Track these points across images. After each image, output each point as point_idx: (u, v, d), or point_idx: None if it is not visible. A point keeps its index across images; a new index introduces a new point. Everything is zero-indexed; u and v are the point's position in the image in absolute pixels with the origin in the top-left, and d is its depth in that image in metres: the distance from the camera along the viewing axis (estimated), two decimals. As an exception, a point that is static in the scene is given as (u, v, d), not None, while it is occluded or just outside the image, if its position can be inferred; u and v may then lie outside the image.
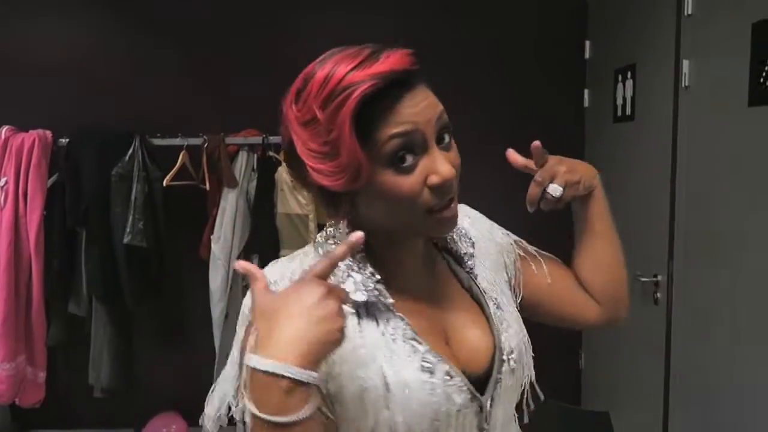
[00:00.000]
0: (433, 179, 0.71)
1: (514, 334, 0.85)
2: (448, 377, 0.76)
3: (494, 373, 0.81)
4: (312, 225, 2.42)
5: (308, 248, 0.83)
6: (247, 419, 0.65)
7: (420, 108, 0.71)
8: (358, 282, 0.76)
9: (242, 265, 0.71)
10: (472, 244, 0.90)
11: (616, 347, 2.55)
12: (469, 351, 0.81)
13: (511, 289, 0.94)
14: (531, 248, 1.00)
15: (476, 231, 0.93)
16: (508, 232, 1.00)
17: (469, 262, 0.88)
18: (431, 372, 0.75)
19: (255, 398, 0.61)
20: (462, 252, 0.89)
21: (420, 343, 0.76)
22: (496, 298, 0.87)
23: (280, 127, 0.77)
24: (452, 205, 0.75)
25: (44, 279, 2.46)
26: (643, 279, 2.25)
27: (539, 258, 0.99)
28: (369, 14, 2.81)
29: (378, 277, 0.77)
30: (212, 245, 2.47)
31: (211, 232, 2.49)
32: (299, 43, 2.81)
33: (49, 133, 2.49)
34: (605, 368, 2.75)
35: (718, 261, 1.89)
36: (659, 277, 2.20)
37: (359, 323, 0.75)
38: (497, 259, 0.94)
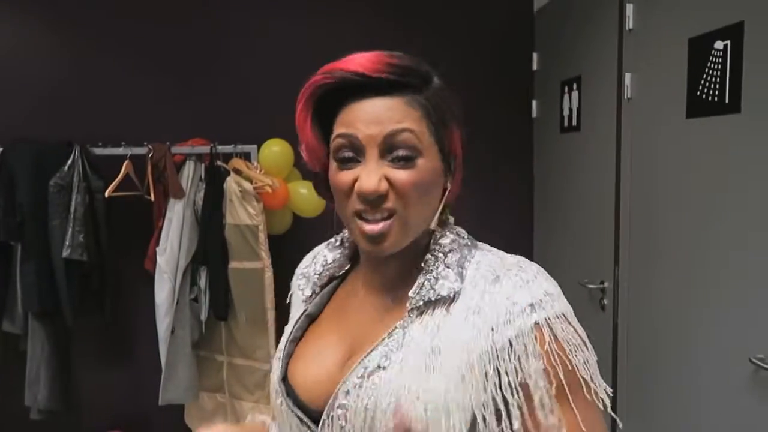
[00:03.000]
0: (357, 185, 0.72)
1: (380, 397, 0.69)
2: (280, 394, 0.79)
3: (325, 414, 0.73)
4: (262, 236, 2.37)
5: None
6: None
7: (369, 117, 0.71)
8: (328, 257, 0.87)
9: None
10: (450, 301, 0.72)
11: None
12: (312, 382, 0.77)
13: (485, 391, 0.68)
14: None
15: (488, 296, 0.71)
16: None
17: (424, 313, 0.73)
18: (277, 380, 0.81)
19: None
20: (425, 297, 0.72)
21: (285, 346, 0.83)
22: (390, 357, 0.71)
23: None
24: (378, 224, 0.71)
25: (-25, 296, 2.32)
26: (590, 286, 2.30)
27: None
28: (321, 22, 2.80)
29: (339, 263, 0.87)
30: (158, 258, 2.39)
31: (157, 244, 2.41)
32: (247, 51, 2.78)
33: (-19, 142, 2.36)
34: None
35: (662, 267, 1.94)
36: (606, 284, 2.26)
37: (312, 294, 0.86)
38: (483, 347, 0.69)
